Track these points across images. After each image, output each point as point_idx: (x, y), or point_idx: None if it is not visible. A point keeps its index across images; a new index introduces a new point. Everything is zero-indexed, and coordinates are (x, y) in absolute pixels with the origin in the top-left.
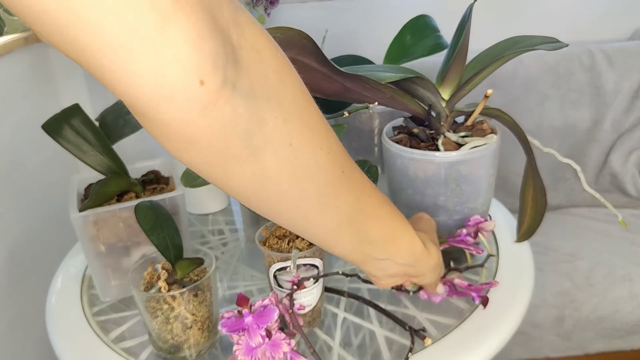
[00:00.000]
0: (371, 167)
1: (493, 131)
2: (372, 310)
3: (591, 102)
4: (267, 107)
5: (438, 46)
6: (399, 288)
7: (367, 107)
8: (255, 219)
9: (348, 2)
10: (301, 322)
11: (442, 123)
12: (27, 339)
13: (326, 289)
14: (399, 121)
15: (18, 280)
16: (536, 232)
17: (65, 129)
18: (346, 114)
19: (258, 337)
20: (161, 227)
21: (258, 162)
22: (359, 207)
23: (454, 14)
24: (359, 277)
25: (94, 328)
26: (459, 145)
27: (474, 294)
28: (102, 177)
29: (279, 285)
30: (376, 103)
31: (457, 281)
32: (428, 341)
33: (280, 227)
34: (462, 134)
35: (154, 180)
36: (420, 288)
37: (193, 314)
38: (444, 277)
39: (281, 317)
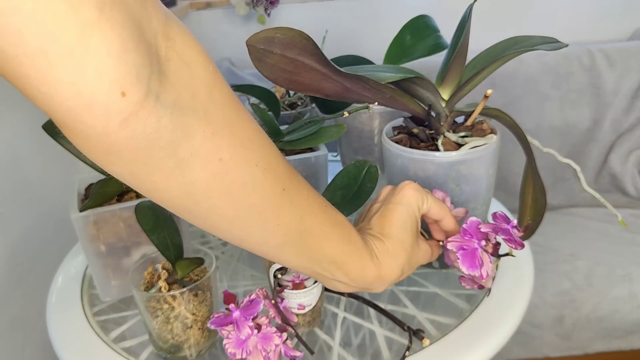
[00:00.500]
0: (371, 167)
1: (493, 131)
2: (372, 310)
3: (591, 102)
4: (194, 120)
5: (438, 46)
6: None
7: (367, 107)
8: None
9: (348, 2)
10: (297, 320)
11: (442, 123)
12: (27, 339)
13: (326, 289)
14: (399, 121)
15: (18, 280)
16: (536, 232)
17: None
18: (346, 114)
19: (246, 328)
20: (161, 227)
21: (184, 175)
22: (304, 226)
23: (454, 14)
24: None
25: (95, 328)
26: (459, 146)
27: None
28: (102, 177)
29: (279, 285)
30: (376, 103)
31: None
32: (426, 342)
33: None
34: (462, 134)
35: None
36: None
37: (193, 314)
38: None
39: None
